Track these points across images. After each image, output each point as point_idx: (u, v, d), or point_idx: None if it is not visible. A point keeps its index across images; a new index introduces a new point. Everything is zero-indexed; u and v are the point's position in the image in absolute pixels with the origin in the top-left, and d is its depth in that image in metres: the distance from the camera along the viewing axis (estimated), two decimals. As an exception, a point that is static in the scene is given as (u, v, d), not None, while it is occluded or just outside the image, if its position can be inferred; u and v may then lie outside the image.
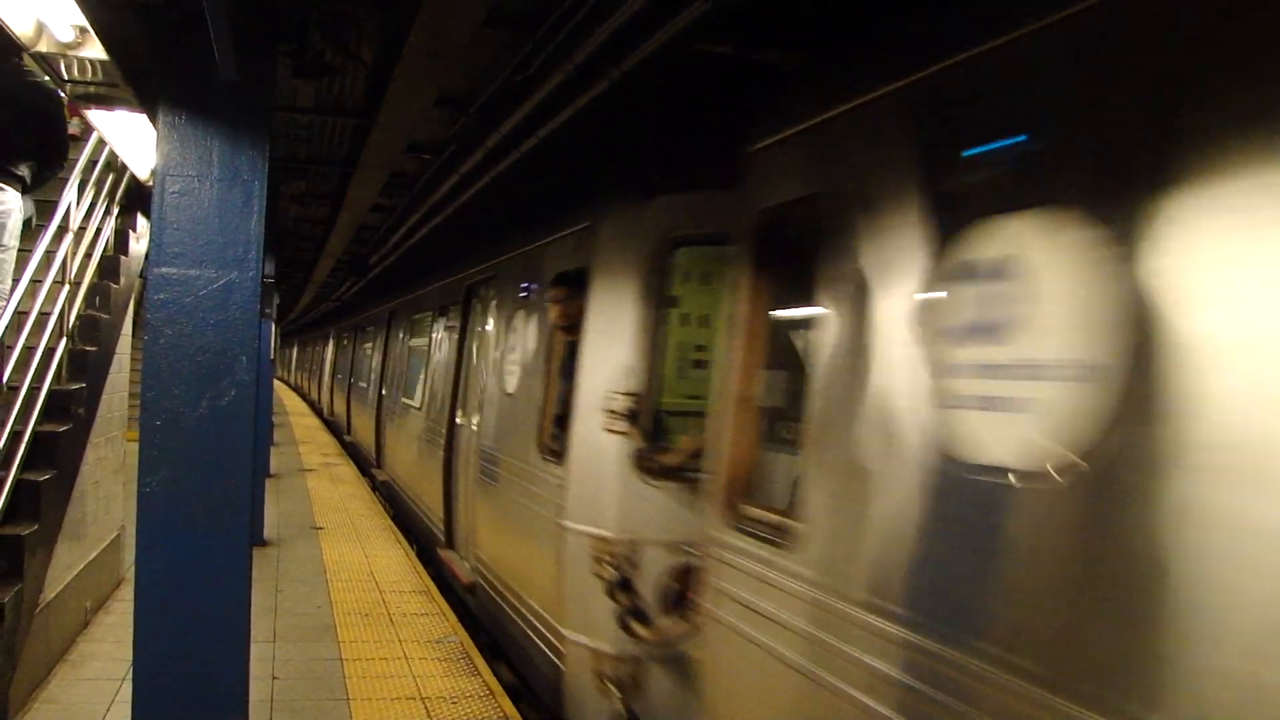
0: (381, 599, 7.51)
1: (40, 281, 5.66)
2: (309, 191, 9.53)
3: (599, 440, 4.59)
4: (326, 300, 24.51)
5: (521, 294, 6.45)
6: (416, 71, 4.94)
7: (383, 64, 5.16)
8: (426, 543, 9.26)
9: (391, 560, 8.90)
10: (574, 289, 5.12)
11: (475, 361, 7.84)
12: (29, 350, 5.41)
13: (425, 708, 5.29)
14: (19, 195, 5.57)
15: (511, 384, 6.32)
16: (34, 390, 5.33)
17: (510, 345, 6.51)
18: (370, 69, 5.36)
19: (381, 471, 13.08)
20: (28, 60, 5.39)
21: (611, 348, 4.65)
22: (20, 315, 5.41)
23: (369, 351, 16.47)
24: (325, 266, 15.88)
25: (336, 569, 8.43)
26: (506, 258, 7.09)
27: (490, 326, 7.34)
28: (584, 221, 5.29)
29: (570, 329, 5.16)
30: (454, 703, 5.39)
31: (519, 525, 5.82)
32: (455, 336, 8.68)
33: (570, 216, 5.57)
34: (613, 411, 4.51)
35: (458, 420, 8.25)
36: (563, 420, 5.14)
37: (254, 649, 3.81)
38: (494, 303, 7.31)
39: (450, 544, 8.18)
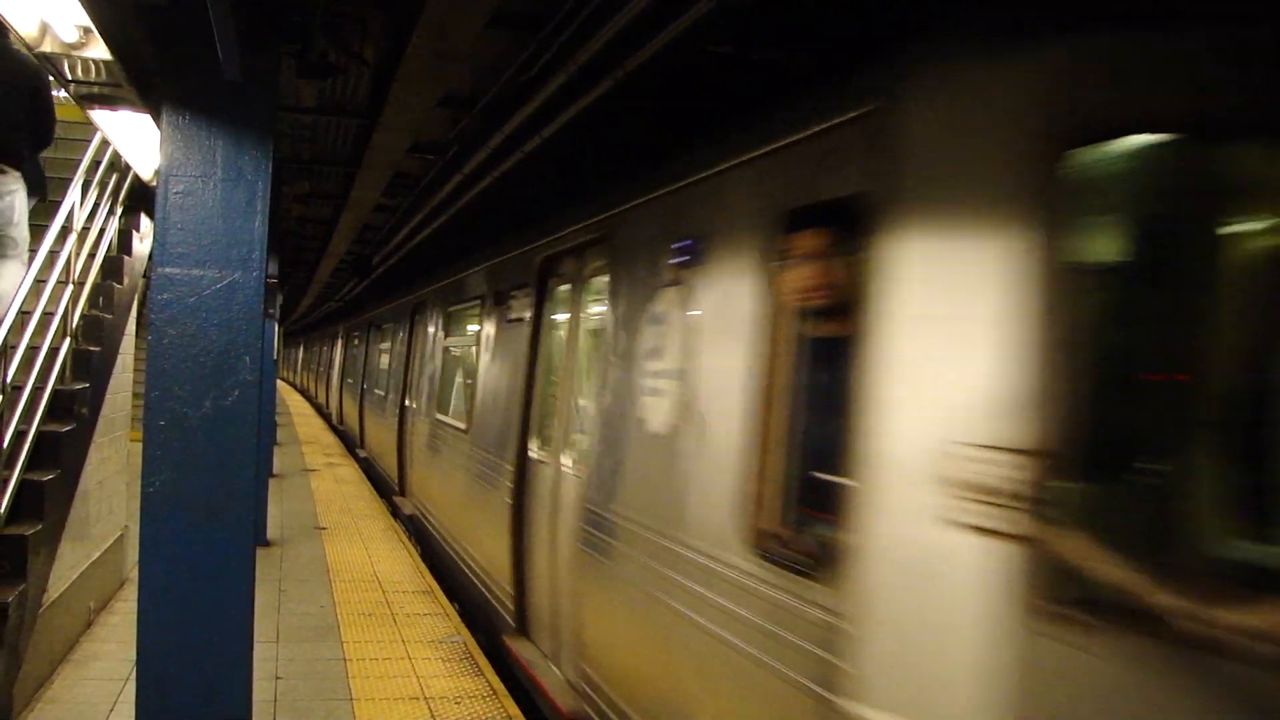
0: (385, 599, 7.51)
1: (44, 281, 5.66)
2: (312, 191, 9.56)
3: (936, 544, 2.32)
4: (330, 300, 24.56)
5: (676, 258, 3.91)
6: (420, 72, 4.95)
7: (386, 64, 5.16)
8: (484, 617, 6.79)
9: (395, 560, 8.89)
10: (835, 237, 2.96)
11: (566, 370, 5.56)
12: (33, 350, 5.41)
13: (429, 708, 5.29)
14: (19, 174, 5.64)
15: (658, 412, 3.87)
16: (38, 390, 5.33)
17: (648, 347, 4.09)
18: (374, 69, 5.36)
19: (407, 501, 10.75)
20: (13, 37, 5.45)
21: (955, 351, 2.37)
22: (24, 315, 5.41)
23: (389, 354, 13.91)
24: (328, 266, 15.92)
25: (340, 569, 8.43)
26: (633, 206, 4.57)
27: (598, 317, 5.03)
28: (857, 105, 2.84)
29: (830, 313, 2.99)
30: (458, 703, 5.39)
31: (696, 661, 3.41)
32: (524, 333, 6.24)
33: (816, 102, 3.12)
34: (978, 488, 2.23)
35: (532, 454, 5.90)
36: (813, 490, 2.89)
37: (257, 649, 3.81)
38: (601, 279, 4.94)
39: (525, 631, 5.78)
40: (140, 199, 7.15)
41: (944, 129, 2.54)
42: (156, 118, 4.07)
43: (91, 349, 6.22)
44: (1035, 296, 2.20)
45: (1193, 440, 2.17)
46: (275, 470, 13.35)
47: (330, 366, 25.30)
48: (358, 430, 16.71)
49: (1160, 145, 2.24)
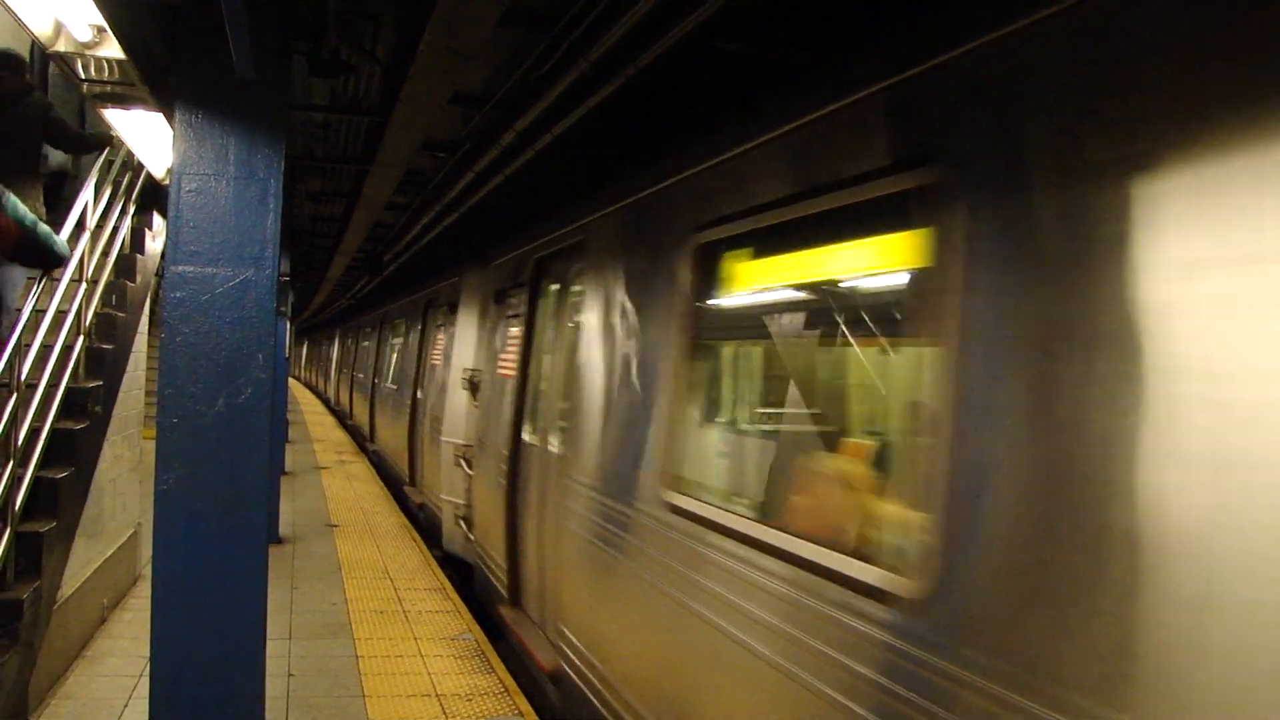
0: (397, 596, 7.52)
1: (57, 279, 5.68)
2: (324, 189, 9.57)
3: None
4: (341, 298, 24.61)
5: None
6: (432, 69, 4.95)
7: (398, 62, 5.16)
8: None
9: (407, 558, 8.91)
10: None
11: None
12: (47, 348, 5.44)
13: (441, 705, 5.29)
14: None
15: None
16: (52, 388, 5.36)
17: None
18: (385, 67, 5.36)
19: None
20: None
21: None
22: (38, 313, 5.44)
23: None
24: (340, 264, 15.94)
25: (351, 566, 8.45)
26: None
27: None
28: None
29: None
30: (469, 700, 5.39)
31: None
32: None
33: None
34: None
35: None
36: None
37: (270, 646, 3.82)
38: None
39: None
40: (153, 197, 7.18)
41: None
42: (169, 116, 4.08)
43: (105, 347, 6.25)
44: None
45: None
46: (287, 468, 13.39)
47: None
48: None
49: None
